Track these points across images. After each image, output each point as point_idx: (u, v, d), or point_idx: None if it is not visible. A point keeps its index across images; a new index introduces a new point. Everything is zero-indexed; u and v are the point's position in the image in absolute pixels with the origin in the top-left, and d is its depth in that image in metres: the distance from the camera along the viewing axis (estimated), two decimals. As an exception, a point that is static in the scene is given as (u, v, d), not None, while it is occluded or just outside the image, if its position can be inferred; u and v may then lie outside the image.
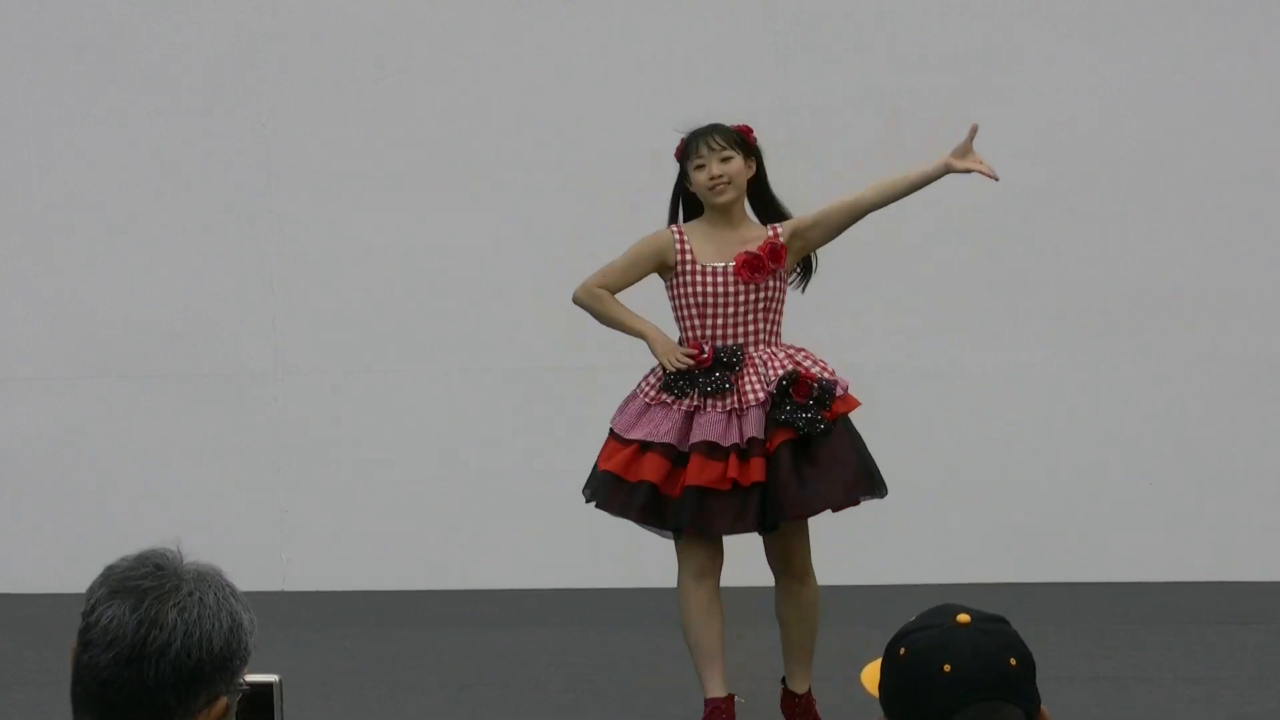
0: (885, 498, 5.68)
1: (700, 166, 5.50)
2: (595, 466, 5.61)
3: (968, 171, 5.47)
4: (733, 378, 5.45)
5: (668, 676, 6.47)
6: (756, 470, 5.38)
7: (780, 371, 5.46)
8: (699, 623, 5.56)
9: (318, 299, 7.95)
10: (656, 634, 6.87)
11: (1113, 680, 6.37)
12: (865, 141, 7.77)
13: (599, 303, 5.61)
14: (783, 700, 5.71)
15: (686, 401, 5.46)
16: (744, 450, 5.40)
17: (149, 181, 7.96)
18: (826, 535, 7.87)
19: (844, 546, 7.83)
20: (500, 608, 7.61)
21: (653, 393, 5.53)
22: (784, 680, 5.71)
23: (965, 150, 5.46)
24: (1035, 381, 7.80)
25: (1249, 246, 7.73)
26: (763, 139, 7.83)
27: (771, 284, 5.52)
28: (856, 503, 5.63)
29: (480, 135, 7.89)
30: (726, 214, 5.54)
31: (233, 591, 2.36)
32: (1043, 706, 2.57)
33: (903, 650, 2.54)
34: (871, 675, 2.64)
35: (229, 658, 2.32)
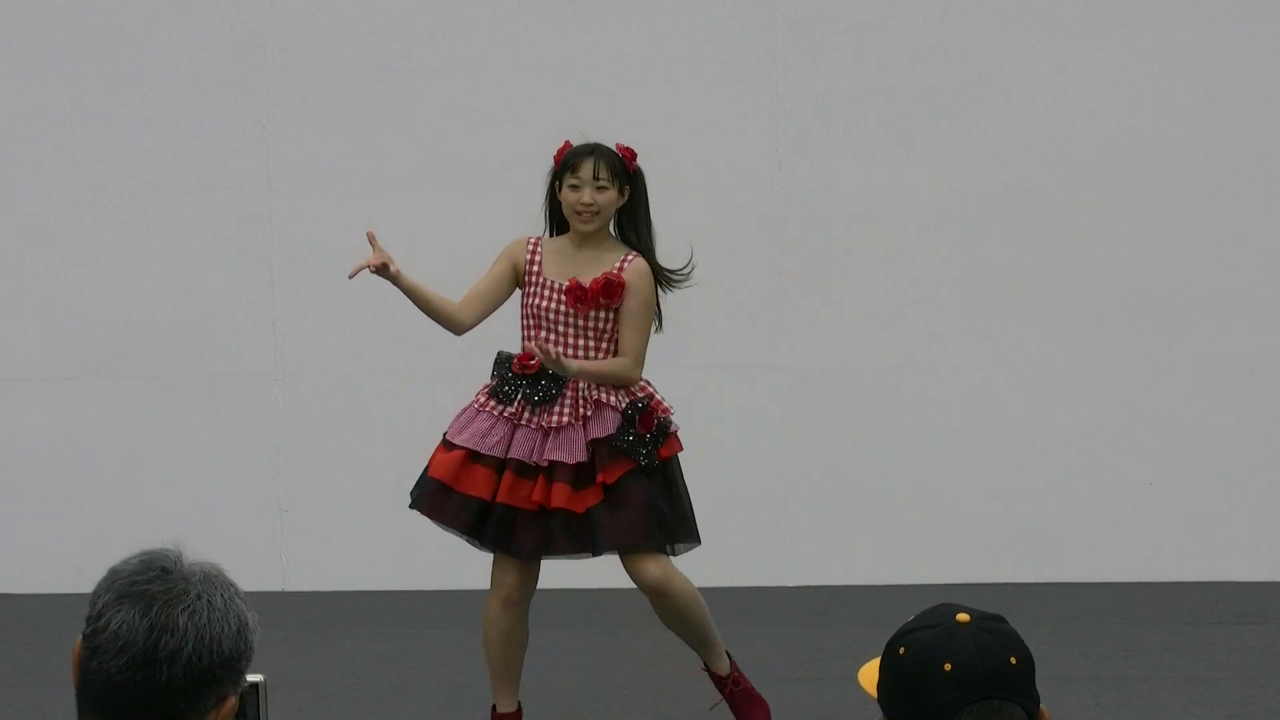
0: (683, 553, 5.59)
1: (575, 187, 5.49)
2: (424, 472, 5.59)
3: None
4: (562, 388, 5.42)
5: (667, 676, 6.47)
6: (559, 496, 5.37)
7: (618, 400, 5.43)
8: (498, 647, 5.65)
9: (318, 299, 7.95)
10: (656, 634, 6.87)
11: (1113, 680, 6.37)
12: (865, 141, 7.77)
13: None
14: (714, 684, 5.70)
15: (511, 409, 5.44)
16: (548, 472, 5.39)
17: (149, 181, 7.96)
18: (827, 535, 7.89)
19: (844, 546, 7.84)
20: (500, 608, 7.60)
21: (482, 398, 5.53)
22: (704, 666, 5.67)
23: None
24: (1035, 381, 7.80)
25: (1248, 246, 7.73)
26: (762, 139, 7.87)
27: (604, 315, 5.48)
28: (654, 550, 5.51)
29: (480, 135, 7.89)
30: (589, 236, 5.53)
31: (236, 591, 2.37)
32: (1042, 706, 2.57)
33: (903, 650, 2.54)
34: (869, 675, 2.64)
35: (238, 658, 2.33)
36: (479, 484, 5.45)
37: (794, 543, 7.84)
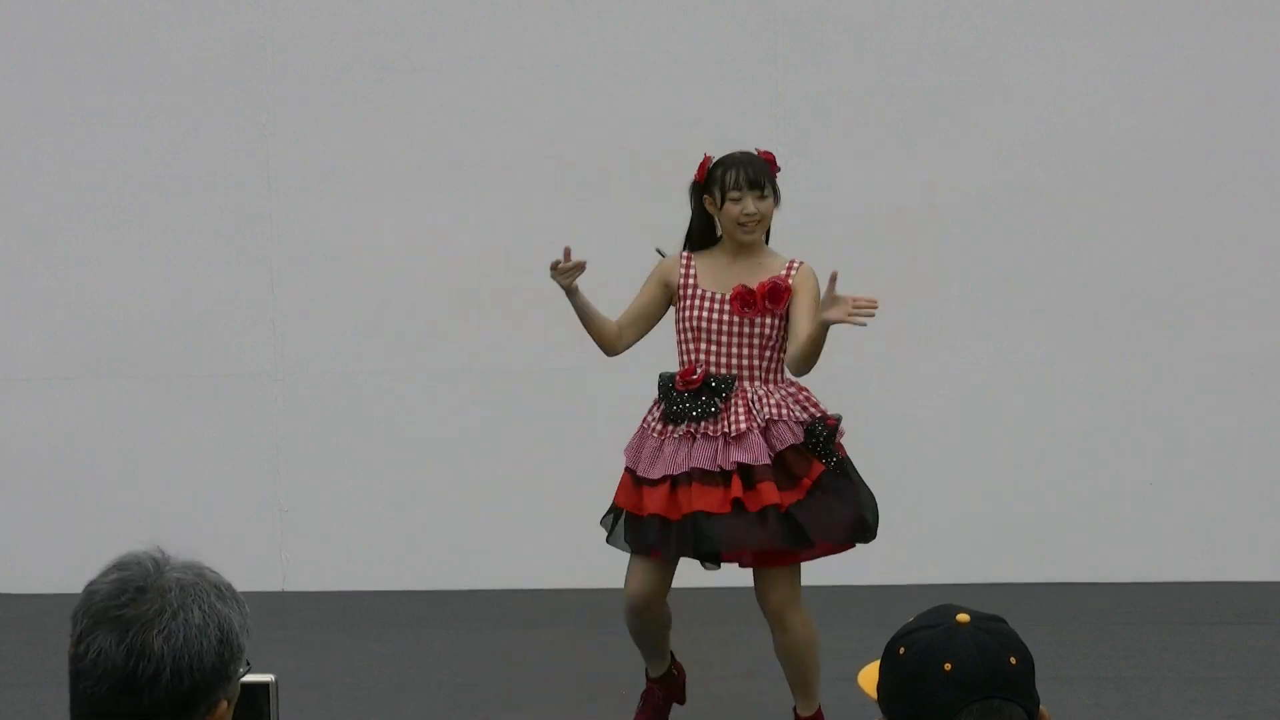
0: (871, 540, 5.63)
1: (736, 200, 5.42)
2: (614, 502, 5.57)
3: (841, 322, 5.31)
4: (721, 404, 5.40)
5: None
6: (768, 494, 5.33)
7: (789, 414, 5.41)
8: (643, 638, 5.63)
9: (318, 299, 7.95)
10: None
11: (1113, 680, 6.37)
12: (865, 141, 7.77)
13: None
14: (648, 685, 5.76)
15: (684, 428, 5.43)
16: (740, 476, 5.37)
17: (149, 181, 7.96)
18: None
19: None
20: (500, 608, 7.61)
21: (658, 426, 5.47)
22: (794, 707, 5.67)
23: (831, 300, 5.22)
24: (1035, 381, 7.80)
25: (1248, 246, 7.73)
26: (762, 139, 7.87)
27: (770, 321, 5.43)
28: (844, 546, 5.57)
29: (480, 135, 7.90)
30: (748, 247, 5.50)
31: (219, 594, 2.33)
32: (1042, 707, 2.57)
33: (902, 650, 2.55)
34: (868, 677, 2.64)
35: (222, 668, 2.31)
36: (655, 502, 5.40)
37: (794, 543, 7.83)
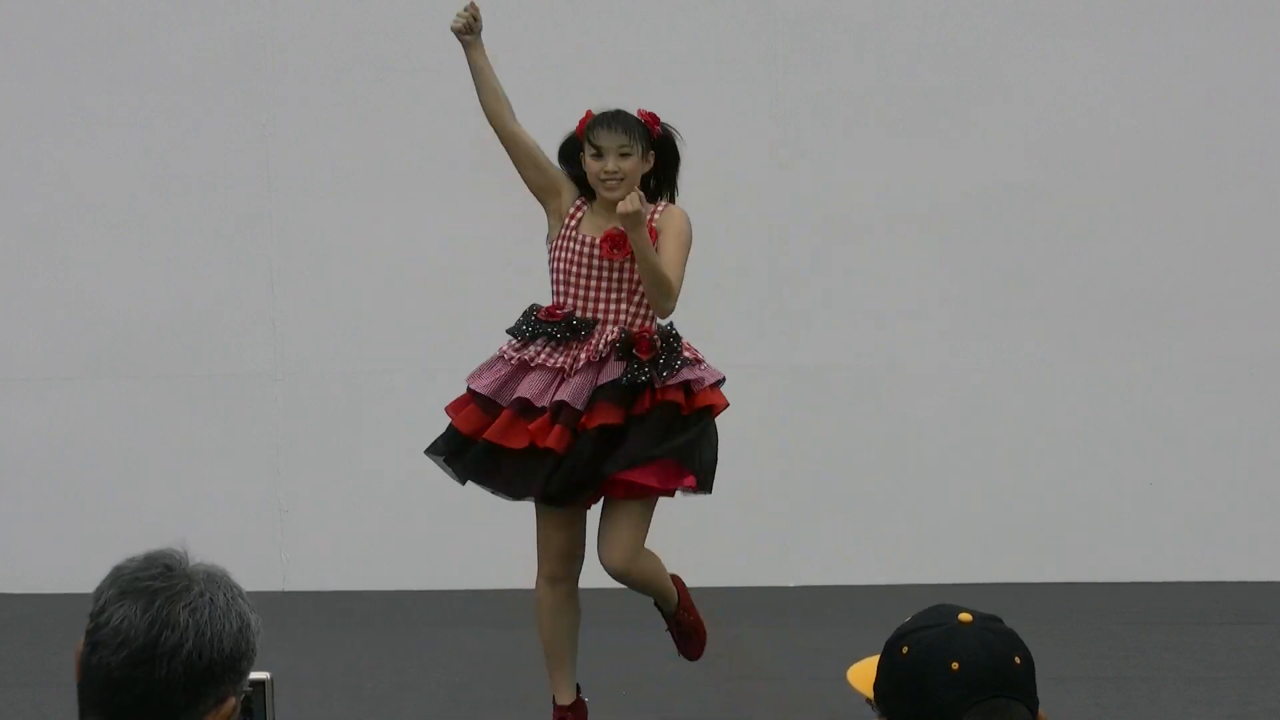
0: (700, 495, 5.42)
1: (597, 155, 5.40)
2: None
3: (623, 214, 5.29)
4: (572, 339, 5.34)
5: (668, 676, 6.47)
6: (555, 438, 5.27)
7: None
8: (548, 625, 5.55)
9: (318, 299, 7.95)
10: (656, 633, 6.87)
11: (1113, 680, 6.37)
12: (865, 141, 7.77)
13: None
14: (667, 625, 5.66)
15: (528, 353, 5.38)
16: (554, 414, 5.30)
17: (149, 181, 7.96)
18: (827, 535, 7.89)
19: (844, 546, 7.84)
20: (500, 608, 7.61)
21: (504, 346, 5.46)
22: (655, 603, 5.62)
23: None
24: (1035, 381, 7.80)
25: (1248, 246, 7.73)
26: (762, 139, 7.87)
27: (631, 267, 5.36)
28: (652, 484, 5.32)
29: (480, 135, 7.87)
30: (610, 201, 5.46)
31: (240, 592, 2.37)
32: (1040, 709, 2.57)
33: (906, 649, 2.54)
34: (861, 674, 2.63)
35: (238, 658, 2.33)
36: (471, 422, 5.42)
37: (794, 543, 7.84)
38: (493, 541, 7.96)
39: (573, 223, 5.46)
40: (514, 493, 5.49)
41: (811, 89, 7.80)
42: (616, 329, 5.33)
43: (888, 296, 7.81)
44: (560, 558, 5.51)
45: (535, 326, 5.40)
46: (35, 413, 8.05)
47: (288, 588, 7.95)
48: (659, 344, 5.32)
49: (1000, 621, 2.59)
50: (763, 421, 7.83)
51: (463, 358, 8.02)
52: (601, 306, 5.38)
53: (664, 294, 5.29)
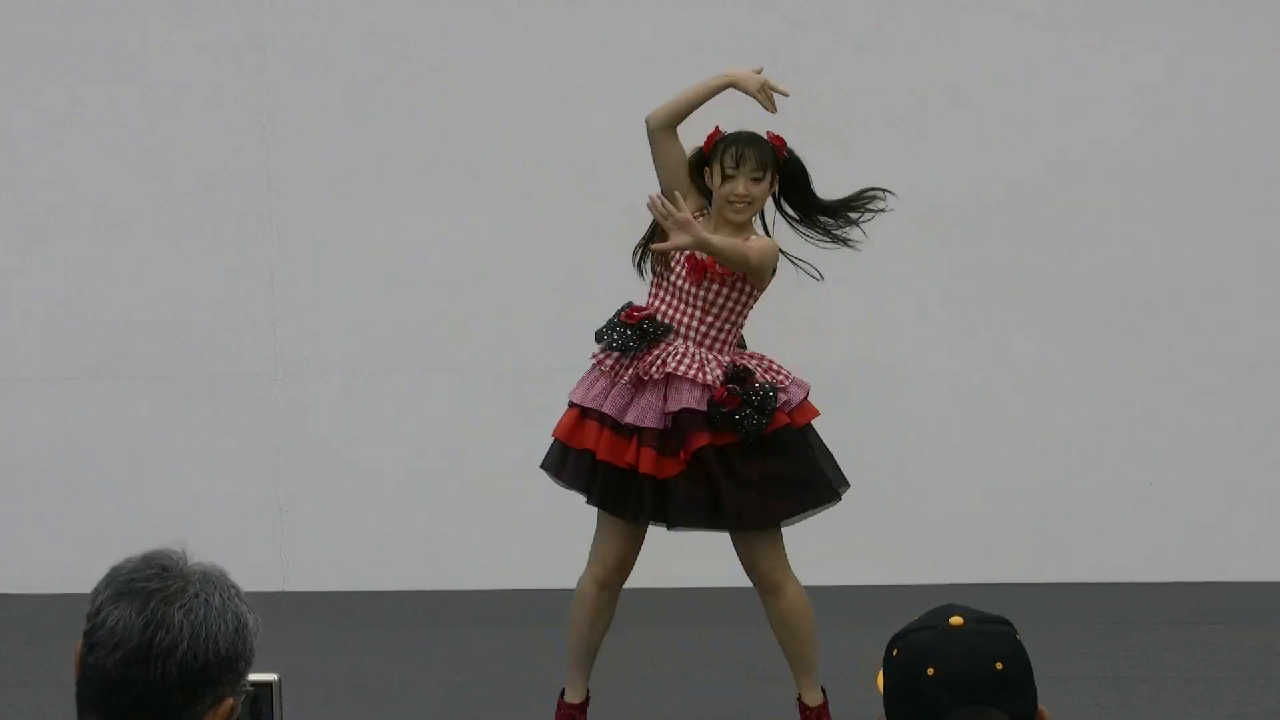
0: (838, 501, 5.57)
1: (729, 178, 5.43)
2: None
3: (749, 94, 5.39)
4: (645, 347, 5.39)
5: (667, 675, 6.47)
6: (647, 462, 5.34)
7: (721, 371, 5.40)
8: (584, 623, 5.57)
9: (318, 299, 7.95)
10: (656, 634, 6.87)
11: (1113, 680, 6.37)
12: (865, 141, 7.77)
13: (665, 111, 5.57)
14: (801, 713, 5.62)
15: (611, 361, 5.41)
16: (638, 435, 5.36)
17: (149, 181, 7.96)
18: (827, 535, 7.88)
19: (844, 546, 7.83)
20: (500, 608, 7.61)
21: (596, 354, 5.50)
22: (798, 696, 5.63)
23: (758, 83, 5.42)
24: (1034, 382, 7.80)
25: (1248, 246, 7.73)
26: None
27: (720, 289, 5.43)
28: (798, 513, 5.52)
29: (480, 136, 7.89)
30: (735, 225, 5.49)
31: (238, 593, 2.37)
32: (1041, 706, 2.57)
33: (896, 651, 2.57)
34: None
35: (235, 659, 2.33)
36: (589, 439, 5.43)
37: (794, 543, 7.82)
38: (493, 542, 7.96)
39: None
40: (610, 508, 5.46)
41: (811, 89, 7.80)
42: (687, 344, 5.40)
43: (888, 296, 7.81)
44: (616, 565, 5.56)
45: (614, 332, 5.42)
46: (35, 413, 8.05)
47: (288, 588, 7.95)
48: (738, 391, 5.34)
49: (1004, 623, 2.59)
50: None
51: (462, 358, 8.05)
52: (678, 316, 5.44)
53: (746, 267, 5.35)
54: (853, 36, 7.78)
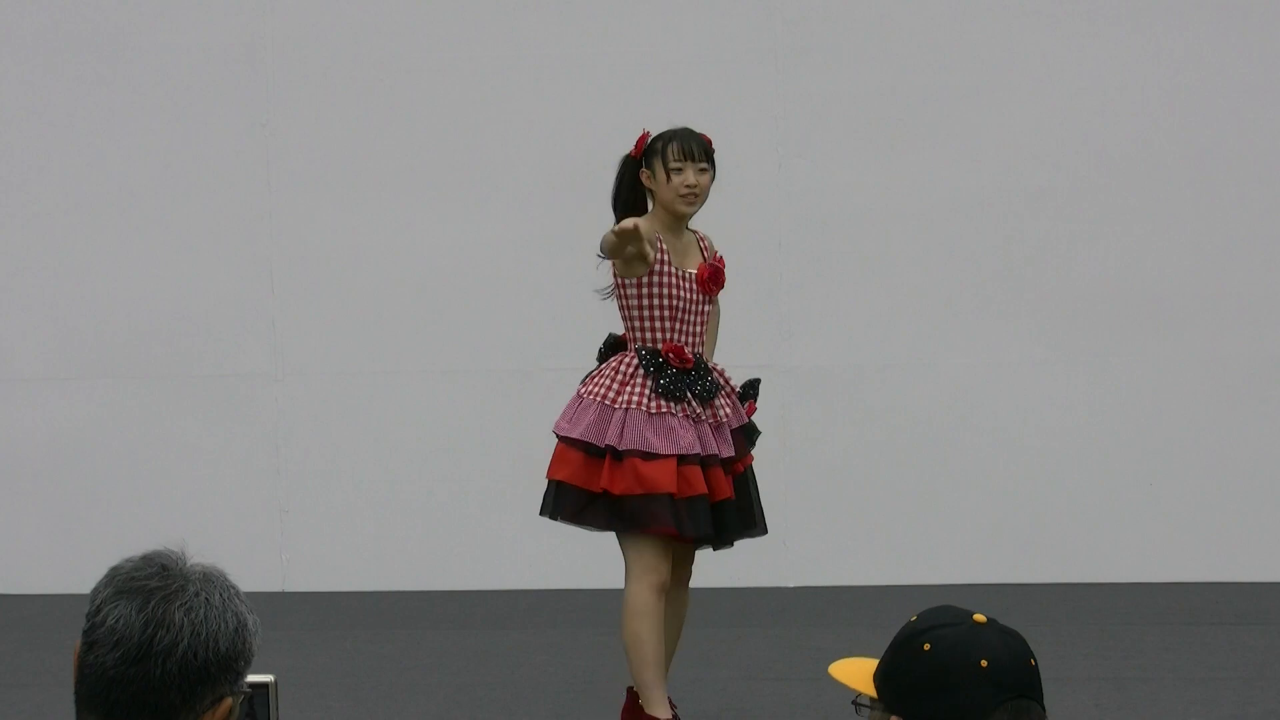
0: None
1: (678, 170, 5.45)
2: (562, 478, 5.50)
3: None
4: (711, 386, 5.49)
5: (668, 676, 6.46)
6: (728, 486, 5.51)
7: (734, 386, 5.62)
8: (654, 634, 5.43)
9: (318, 299, 7.95)
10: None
11: (1113, 680, 6.37)
12: (865, 142, 7.77)
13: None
14: (628, 698, 5.55)
15: (686, 407, 5.41)
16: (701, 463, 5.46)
17: (149, 181, 7.96)
18: (827, 535, 7.89)
19: (844, 546, 7.84)
20: (500, 608, 7.61)
21: (649, 402, 5.38)
22: (630, 688, 5.53)
23: None
24: (1035, 382, 7.80)
25: (1248, 247, 7.73)
26: (762, 139, 7.87)
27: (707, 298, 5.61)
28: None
29: (479, 136, 7.89)
30: (679, 221, 5.51)
31: (237, 593, 2.37)
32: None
33: (927, 645, 2.52)
34: (852, 672, 2.61)
35: (234, 658, 2.33)
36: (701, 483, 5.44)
37: (794, 543, 7.84)
38: (493, 541, 7.96)
39: (665, 258, 5.48)
40: (685, 530, 5.43)
41: (811, 89, 7.80)
42: (710, 367, 5.54)
43: (887, 296, 7.81)
44: (668, 571, 5.49)
45: (675, 380, 5.40)
46: (35, 413, 8.05)
47: (288, 588, 7.95)
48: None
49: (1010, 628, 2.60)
50: (761, 422, 7.78)
51: (462, 358, 8.05)
52: (695, 340, 5.52)
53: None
54: (853, 36, 7.78)
